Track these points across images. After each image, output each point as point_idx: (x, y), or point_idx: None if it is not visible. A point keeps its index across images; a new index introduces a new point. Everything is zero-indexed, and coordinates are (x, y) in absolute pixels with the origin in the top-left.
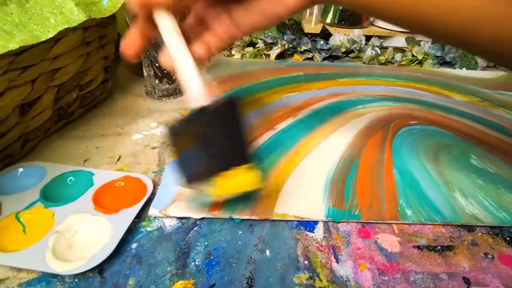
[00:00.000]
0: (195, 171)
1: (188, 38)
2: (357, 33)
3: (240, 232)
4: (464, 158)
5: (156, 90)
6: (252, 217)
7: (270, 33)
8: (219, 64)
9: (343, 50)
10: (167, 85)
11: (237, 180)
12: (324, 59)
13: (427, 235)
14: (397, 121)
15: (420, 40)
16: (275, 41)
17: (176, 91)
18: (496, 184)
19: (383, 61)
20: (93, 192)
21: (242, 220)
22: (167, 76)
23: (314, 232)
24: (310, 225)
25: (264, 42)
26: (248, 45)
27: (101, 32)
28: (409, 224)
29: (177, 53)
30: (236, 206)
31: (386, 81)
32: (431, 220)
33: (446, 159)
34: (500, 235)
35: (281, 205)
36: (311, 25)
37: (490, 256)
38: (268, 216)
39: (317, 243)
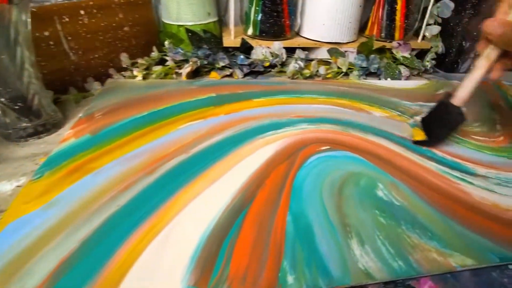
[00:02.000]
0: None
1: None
2: (277, 46)
3: None
4: (370, 190)
5: (11, 131)
6: None
7: (180, 49)
8: (116, 88)
9: (267, 64)
10: (28, 124)
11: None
12: (246, 75)
13: None
14: (308, 148)
15: (346, 51)
16: (187, 57)
17: (39, 130)
18: (398, 220)
19: (308, 75)
20: None
21: None
22: (23, 112)
23: None
24: None
25: (174, 59)
26: (157, 63)
27: None
28: None
29: (478, 63)
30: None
31: (308, 98)
32: (314, 287)
33: (350, 193)
34: None
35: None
36: (231, 38)
37: None
38: None
39: None
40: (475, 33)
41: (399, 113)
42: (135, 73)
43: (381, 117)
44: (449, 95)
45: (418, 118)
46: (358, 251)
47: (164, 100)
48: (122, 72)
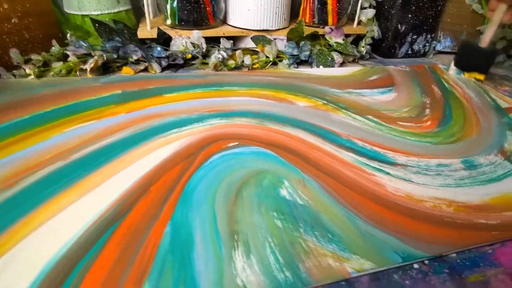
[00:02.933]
0: (464, 61)
1: None
2: (196, 35)
3: None
4: (273, 189)
5: None
6: None
7: (82, 42)
8: (2, 89)
9: (189, 56)
10: None
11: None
12: (165, 69)
13: None
14: (212, 146)
15: (275, 39)
16: (90, 51)
17: None
18: (297, 223)
19: (233, 66)
20: None
21: None
22: None
23: None
24: None
25: (76, 54)
26: (61, 59)
27: None
28: None
29: (493, 18)
30: None
31: (227, 91)
32: None
33: (249, 195)
34: None
35: None
36: (147, 28)
37: None
38: None
39: None
40: (409, 16)
41: (325, 102)
42: (27, 71)
43: (305, 107)
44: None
45: (453, 67)
46: (241, 263)
47: (57, 100)
48: (14, 71)
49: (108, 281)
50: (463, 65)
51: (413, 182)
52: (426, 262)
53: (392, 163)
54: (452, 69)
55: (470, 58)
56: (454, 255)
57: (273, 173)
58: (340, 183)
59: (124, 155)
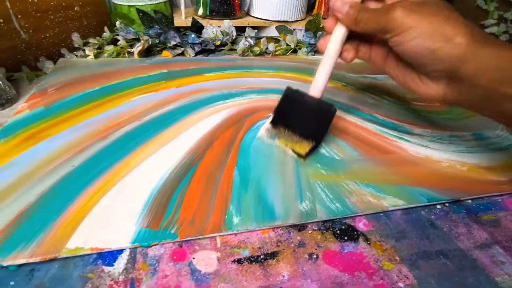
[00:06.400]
0: (283, 122)
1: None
2: (227, 24)
3: (12, 283)
4: None
5: None
6: (32, 259)
7: (131, 28)
8: (68, 66)
9: (218, 43)
10: None
11: (296, 144)
12: (198, 53)
13: (252, 244)
14: (256, 114)
15: (294, 29)
16: (138, 36)
17: None
18: (337, 171)
19: (258, 52)
20: None
21: (20, 266)
22: None
23: (113, 265)
24: (111, 256)
25: (125, 38)
26: (109, 44)
27: None
28: (235, 234)
29: (328, 50)
30: (15, 247)
31: (257, 72)
32: (258, 225)
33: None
34: (331, 229)
35: (79, 237)
36: (182, 18)
37: (315, 256)
38: (55, 255)
39: (112, 279)
40: None
41: (345, 84)
42: (87, 52)
43: (328, 87)
44: (291, 89)
45: (268, 126)
46: (300, 197)
47: (115, 76)
48: (75, 52)
49: (202, 203)
50: (284, 125)
51: (429, 147)
52: (447, 204)
53: (410, 133)
54: (264, 130)
55: (294, 116)
56: (470, 201)
57: None
58: (366, 145)
59: (184, 119)
